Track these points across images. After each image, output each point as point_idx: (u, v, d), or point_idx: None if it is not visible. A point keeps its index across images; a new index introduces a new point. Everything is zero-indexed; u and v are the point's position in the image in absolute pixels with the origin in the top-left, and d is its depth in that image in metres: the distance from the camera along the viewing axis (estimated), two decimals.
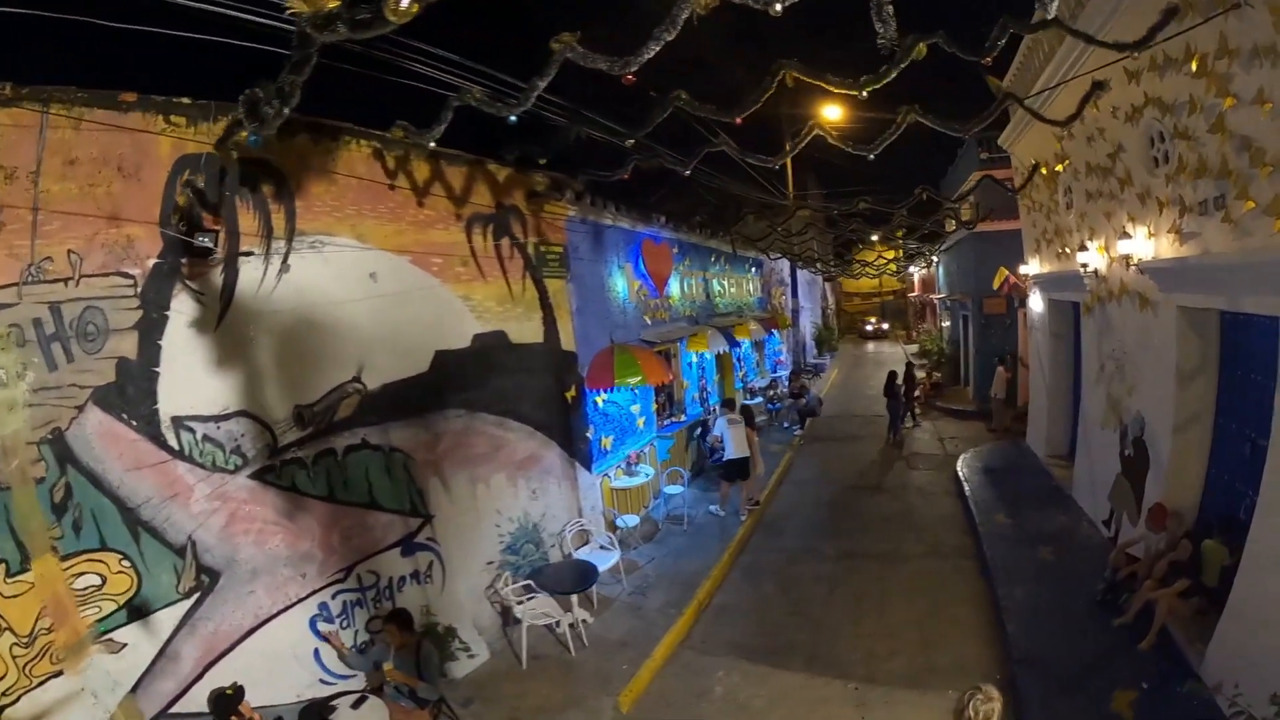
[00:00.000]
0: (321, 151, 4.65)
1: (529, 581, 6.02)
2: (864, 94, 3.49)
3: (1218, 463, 5.45)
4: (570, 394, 7.33)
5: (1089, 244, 7.00)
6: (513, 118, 3.75)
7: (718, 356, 13.02)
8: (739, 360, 14.07)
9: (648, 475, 8.78)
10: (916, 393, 16.23)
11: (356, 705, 4.39)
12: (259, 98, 2.80)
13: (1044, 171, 8.60)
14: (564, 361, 7.16)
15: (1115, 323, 6.73)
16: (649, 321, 9.54)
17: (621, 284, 8.88)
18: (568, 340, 7.21)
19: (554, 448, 6.94)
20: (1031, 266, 9.85)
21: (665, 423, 10.10)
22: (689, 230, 10.70)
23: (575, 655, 5.66)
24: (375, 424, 5.02)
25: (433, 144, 4.09)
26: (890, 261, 18.66)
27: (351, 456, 4.86)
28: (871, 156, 4.67)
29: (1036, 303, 9.82)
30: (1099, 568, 6.17)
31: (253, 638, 4.18)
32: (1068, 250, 7.93)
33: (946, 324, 20.75)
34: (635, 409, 9.18)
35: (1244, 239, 4.22)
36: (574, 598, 5.95)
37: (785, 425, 14.14)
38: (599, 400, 8.26)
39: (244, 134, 3.11)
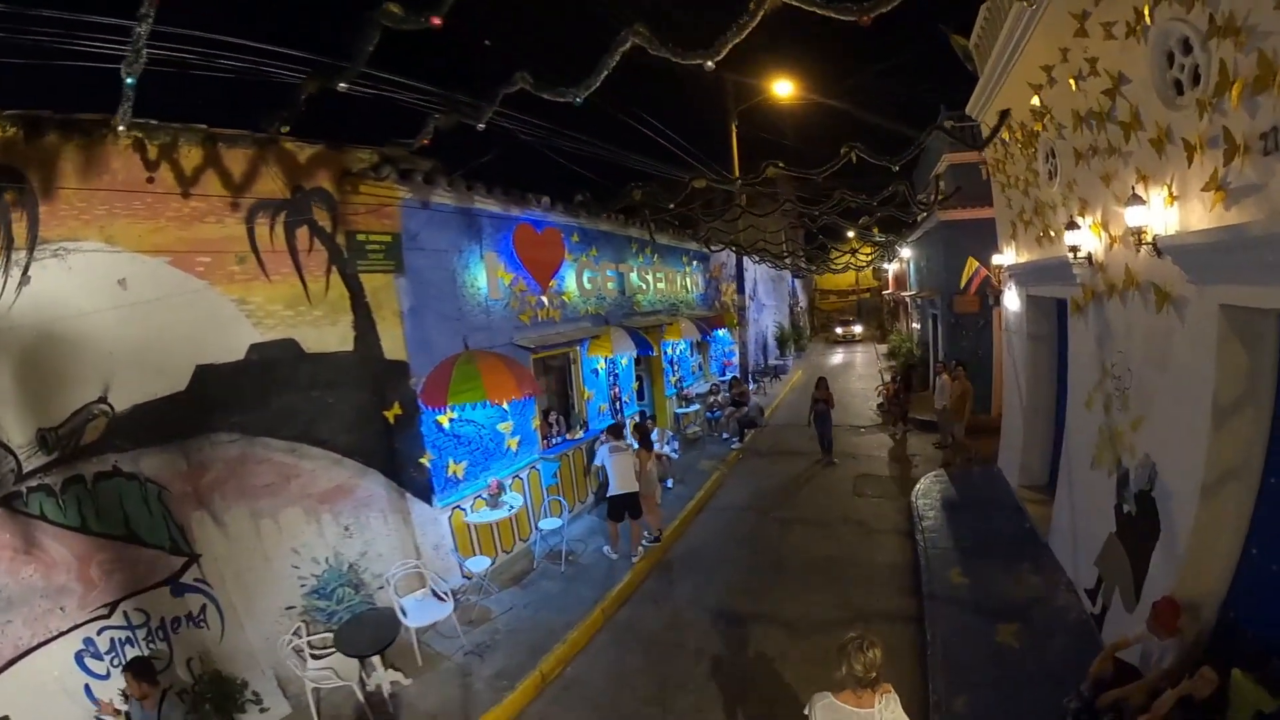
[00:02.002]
0: (72, 149, 4.27)
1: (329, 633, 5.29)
2: None
3: (1264, 545, 3.62)
4: (392, 413, 6.01)
5: (1080, 220, 5.16)
6: (130, 79, 3.22)
7: (646, 360, 11.17)
8: (672, 364, 12.14)
9: (513, 508, 6.90)
10: (882, 400, 14.57)
11: None
12: None
13: (1017, 135, 6.75)
14: (385, 374, 5.98)
15: (1117, 327, 4.88)
16: (527, 323, 7.63)
17: (482, 278, 7.05)
18: (393, 348, 6.00)
19: (373, 476, 5.89)
20: (1006, 256, 8.01)
21: (554, 441, 8.15)
22: (589, 214, 8.72)
23: None
24: (127, 450, 4.54)
25: (145, 122, 4.06)
26: (848, 253, 16.87)
27: (103, 485, 4.44)
28: (711, 64, 3.03)
29: (1012, 299, 8.00)
30: (1076, 663, 4.40)
31: (16, 669, 3.99)
32: (1051, 232, 6.09)
33: (917, 325, 19.03)
34: (505, 427, 7.26)
35: None
36: (375, 658, 5.00)
37: (724, 436, 12.27)
38: (444, 419, 6.43)
39: None
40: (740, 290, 14.15)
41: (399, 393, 6.05)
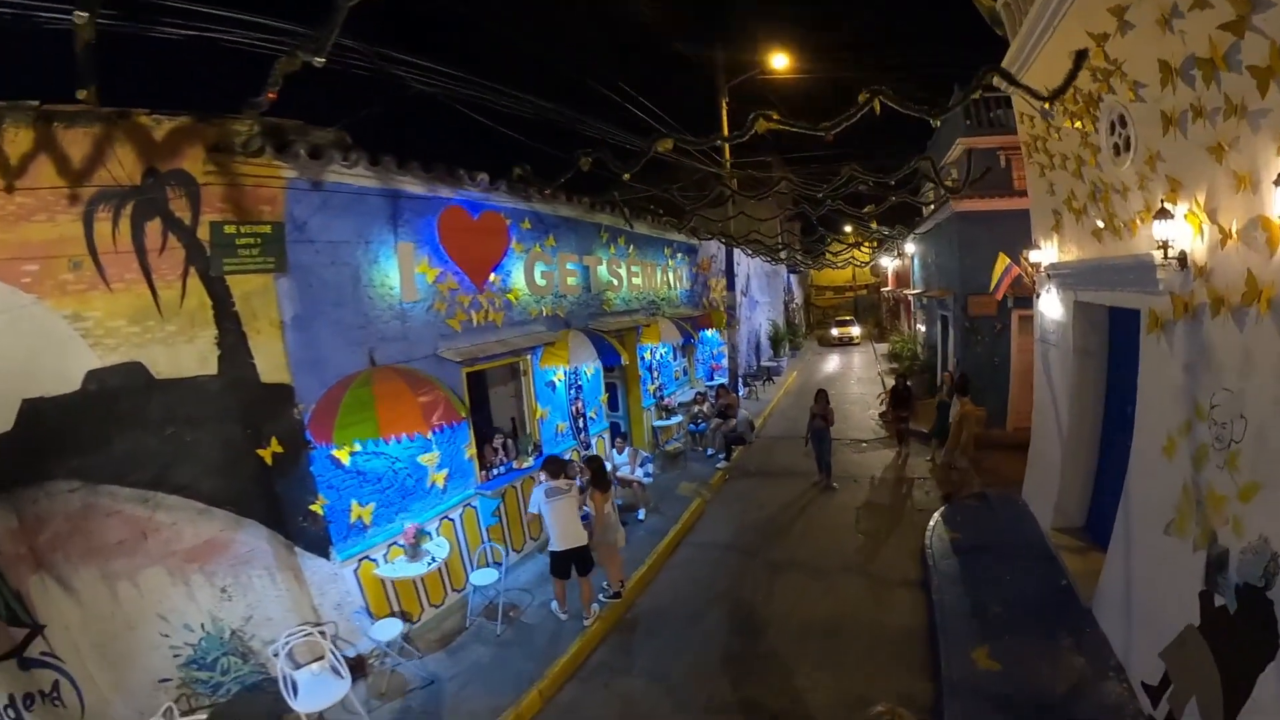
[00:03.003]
0: None
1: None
2: None
3: None
4: (269, 451, 4.79)
5: (1173, 207, 3.83)
6: None
7: (620, 367, 9.84)
8: (650, 370, 10.81)
9: (435, 560, 5.67)
10: (884, 409, 13.28)
11: None
12: None
13: (1066, 103, 5.40)
14: (261, 402, 4.83)
15: (1225, 355, 3.56)
16: (457, 329, 6.29)
17: (394, 274, 5.72)
18: (271, 368, 4.84)
19: (252, 528, 4.86)
20: (1045, 252, 6.67)
21: (496, 472, 6.82)
22: (542, 195, 7.36)
23: None
24: None
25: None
26: (851, 247, 15.56)
27: None
28: None
29: (1052, 305, 6.66)
30: None
31: None
32: (1117, 223, 4.76)
33: (921, 327, 17.73)
34: (429, 459, 5.96)
35: None
36: None
37: (709, 453, 10.96)
38: (343, 454, 5.16)
39: None
40: (730, 286, 12.78)
41: (280, 425, 4.85)
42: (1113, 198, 4.80)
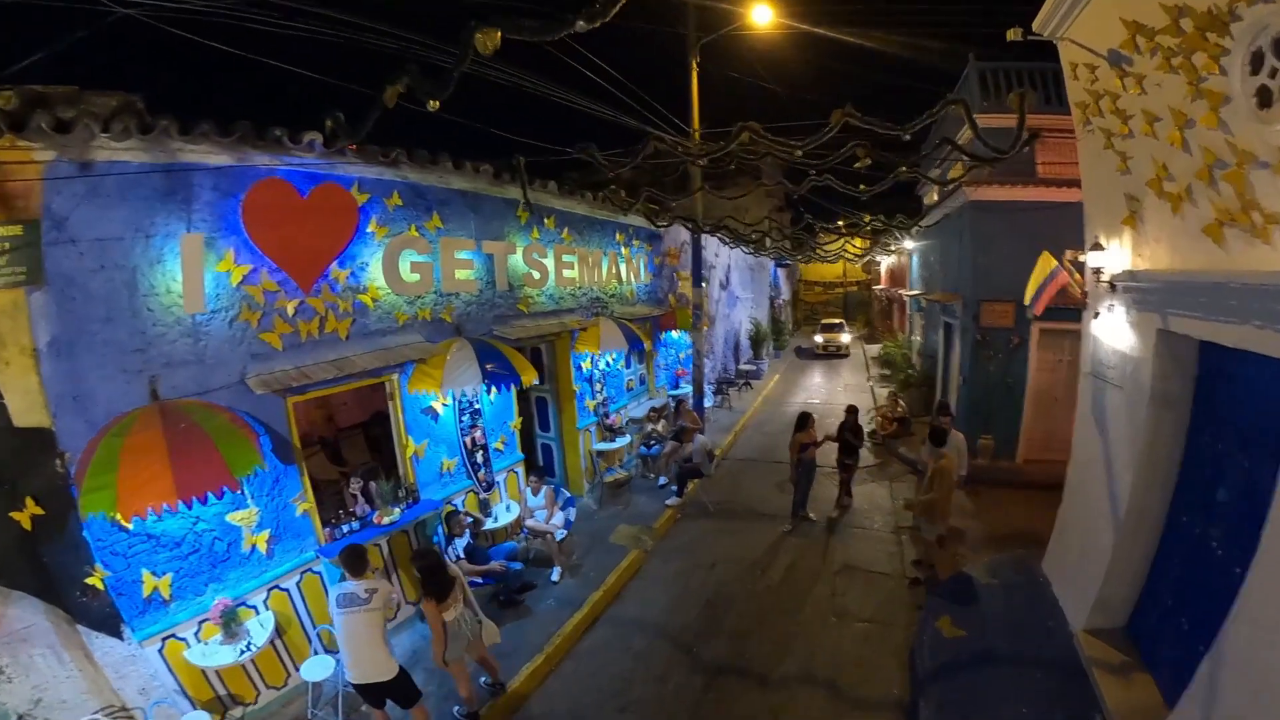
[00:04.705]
0: None
1: None
2: None
3: None
4: (26, 514, 3.64)
5: None
6: None
7: (550, 380, 8.05)
8: (591, 382, 8.93)
9: (253, 644, 4.17)
10: (874, 428, 11.54)
11: None
12: None
13: (1164, 36, 3.58)
14: (13, 451, 3.65)
15: None
16: (276, 347, 4.52)
17: (176, 278, 4.06)
18: (27, 408, 3.65)
19: (26, 602, 3.76)
20: (1111, 256, 4.79)
21: (348, 529, 4.99)
22: (427, 166, 5.49)
23: None
24: None
25: None
26: (843, 237, 13.71)
27: None
28: None
29: (1115, 329, 4.81)
30: None
31: None
32: (1259, 215, 2.92)
33: (917, 336, 15.94)
34: (242, 518, 4.24)
35: None
36: None
37: (661, 482, 9.16)
38: (123, 515, 3.49)
39: None
40: (697, 281, 10.84)
41: (38, 480, 3.70)
42: (1250, 175, 2.96)
